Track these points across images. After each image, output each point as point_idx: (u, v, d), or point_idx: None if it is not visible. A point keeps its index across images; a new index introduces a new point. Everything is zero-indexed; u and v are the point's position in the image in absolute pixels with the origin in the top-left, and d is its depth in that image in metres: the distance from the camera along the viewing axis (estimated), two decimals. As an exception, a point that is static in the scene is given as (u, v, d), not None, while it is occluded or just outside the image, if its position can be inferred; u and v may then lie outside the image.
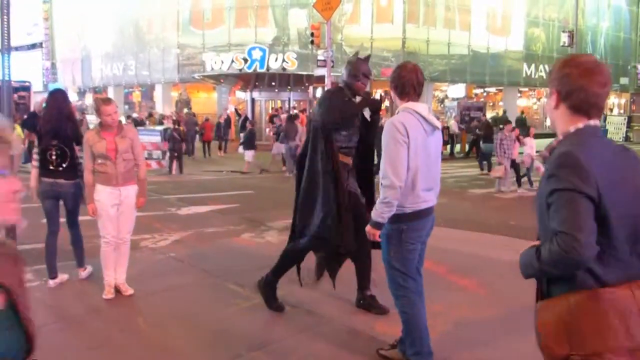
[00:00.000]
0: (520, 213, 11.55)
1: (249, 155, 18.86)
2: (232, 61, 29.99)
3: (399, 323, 4.63)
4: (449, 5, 33.19)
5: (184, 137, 19.62)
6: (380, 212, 3.79)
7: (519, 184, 14.40)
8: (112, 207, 5.61)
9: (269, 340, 4.77)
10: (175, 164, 18.29)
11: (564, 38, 31.96)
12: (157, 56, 35.79)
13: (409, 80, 3.91)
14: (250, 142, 19.04)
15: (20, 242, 6.39)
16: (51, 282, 6.12)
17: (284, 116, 21.13)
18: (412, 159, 3.75)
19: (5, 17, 6.15)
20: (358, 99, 5.16)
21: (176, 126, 19.69)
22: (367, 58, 5.27)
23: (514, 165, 14.42)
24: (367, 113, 5.28)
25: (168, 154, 18.52)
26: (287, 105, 30.53)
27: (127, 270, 5.97)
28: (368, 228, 3.89)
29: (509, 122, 15.78)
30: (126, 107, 39.14)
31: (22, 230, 6.12)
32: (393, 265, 3.96)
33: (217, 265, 6.95)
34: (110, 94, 36.72)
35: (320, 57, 23.97)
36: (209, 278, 6.43)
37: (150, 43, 36.14)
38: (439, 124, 4.00)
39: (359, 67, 5.10)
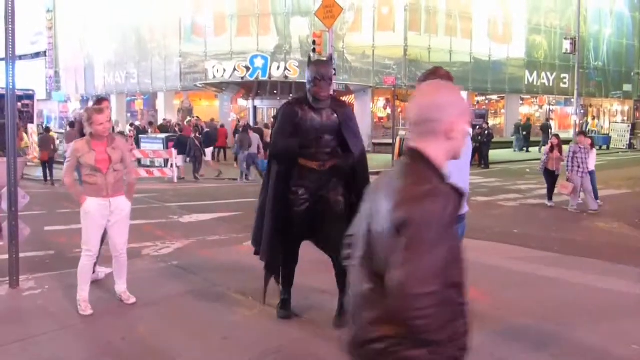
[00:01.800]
0: (523, 221, 11.46)
1: (179, 159, 19.39)
2: (234, 69, 29.94)
3: None
4: (451, 13, 33.12)
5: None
6: None
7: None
8: (101, 218, 5.56)
9: (272, 350, 4.74)
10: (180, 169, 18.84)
11: (566, 45, 32.01)
12: (159, 64, 35.77)
13: None
14: (181, 148, 19.55)
15: (23, 250, 6.54)
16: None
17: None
18: None
19: (10, 26, 6.15)
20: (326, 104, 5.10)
21: (197, 134, 20.49)
22: (325, 60, 5.18)
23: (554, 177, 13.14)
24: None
25: (189, 160, 19.60)
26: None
27: (129, 278, 6.03)
28: None
29: (583, 132, 14.30)
30: (128, 115, 39.19)
31: (25, 238, 6.29)
32: None
33: (220, 273, 6.92)
34: (113, 102, 36.73)
35: None
36: (211, 287, 6.41)
37: (153, 51, 36.10)
38: (469, 130, 3.87)
39: (311, 70, 5.01)
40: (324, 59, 5.40)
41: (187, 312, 5.61)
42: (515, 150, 31.52)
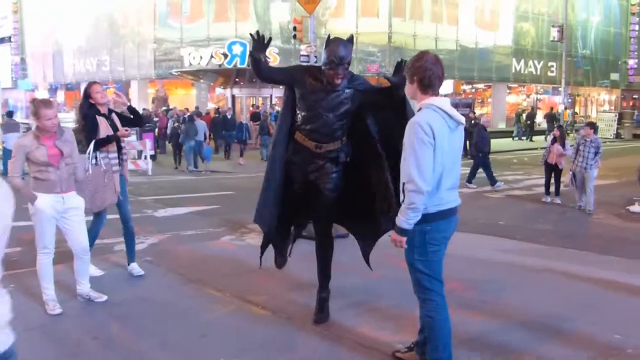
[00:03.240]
0: (509, 213, 11.29)
1: None
2: (212, 56, 29.18)
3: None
4: None
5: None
6: (406, 219, 3.60)
7: (557, 192, 12.26)
8: (55, 214, 5.32)
9: (249, 347, 4.64)
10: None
11: (554, 33, 32.34)
12: (132, 51, 34.71)
13: (435, 73, 3.67)
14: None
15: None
16: None
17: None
18: (438, 160, 3.59)
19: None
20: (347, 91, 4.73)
21: (178, 123, 20.73)
22: (345, 40, 4.69)
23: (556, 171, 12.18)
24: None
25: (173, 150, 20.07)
26: (269, 102, 29.76)
27: (102, 276, 6.29)
28: (394, 235, 3.70)
29: (591, 122, 13.07)
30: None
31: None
32: (418, 268, 3.80)
33: (196, 269, 6.79)
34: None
35: (303, 52, 23.44)
36: (187, 283, 6.28)
37: (126, 37, 35.04)
38: (462, 119, 3.76)
39: (329, 51, 4.57)
40: (345, 38, 4.77)
41: (162, 310, 5.47)
42: (514, 139, 31.65)
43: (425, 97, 3.71)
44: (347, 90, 4.71)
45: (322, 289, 5.12)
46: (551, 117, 31.70)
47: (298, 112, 4.81)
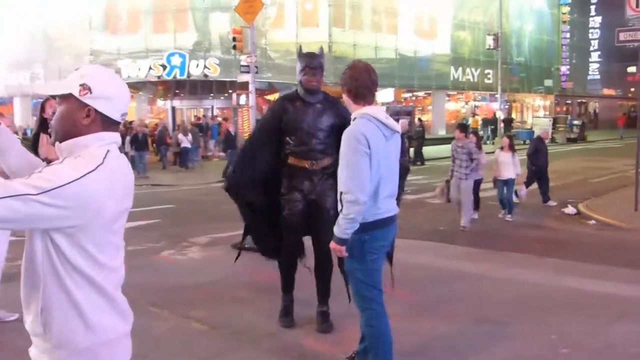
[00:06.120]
0: (449, 218, 11.17)
1: None
2: (150, 68, 28.68)
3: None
4: (376, 8, 32.95)
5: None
6: (344, 229, 3.63)
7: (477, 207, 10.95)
8: None
9: None
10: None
11: (489, 41, 32.98)
12: (68, 64, 33.04)
13: (363, 82, 3.72)
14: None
15: None
16: None
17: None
18: (374, 170, 3.61)
19: None
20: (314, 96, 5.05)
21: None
22: (315, 53, 5.14)
23: (476, 187, 10.57)
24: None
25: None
26: (210, 113, 29.39)
27: None
28: (332, 244, 3.73)
29: (463, 125, 11.34)
30: (34, 119, 36.67)
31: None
32: (357, 277, 3.83)
33: (134, 285, 6.66)
34: (17, 105, 34.33)
35: (243, 63, 23.13)
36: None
37: (61, 49, 33.89)
38: (398, 127, 3.82)
39: (301, 60, 5.08)
40: (315, 52, 5.26)
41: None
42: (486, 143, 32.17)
43: (359, 107, 3.73)
44: (326, 104, 5.06)
45: (323, 304, 5.24)
46: (508, 121, 32.28)
47: (287, 138, 5.04)
